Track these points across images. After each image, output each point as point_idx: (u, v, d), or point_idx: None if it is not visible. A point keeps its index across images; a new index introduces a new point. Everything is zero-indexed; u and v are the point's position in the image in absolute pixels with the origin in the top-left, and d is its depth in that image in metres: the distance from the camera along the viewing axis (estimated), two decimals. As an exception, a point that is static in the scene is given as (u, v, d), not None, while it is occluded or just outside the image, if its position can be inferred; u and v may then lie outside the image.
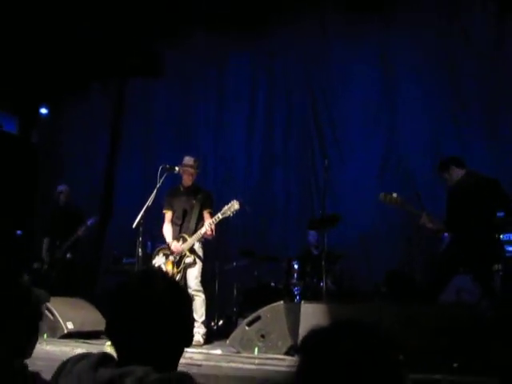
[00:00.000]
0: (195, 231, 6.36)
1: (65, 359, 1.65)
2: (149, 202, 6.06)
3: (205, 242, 6.55)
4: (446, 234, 7.18)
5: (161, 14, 9.53)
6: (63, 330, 5.96)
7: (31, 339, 1.79)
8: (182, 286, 1.80)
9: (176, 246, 6.38)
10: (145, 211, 6.00)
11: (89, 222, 7.71)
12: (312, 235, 8.04)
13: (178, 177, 6.68)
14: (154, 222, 6.79)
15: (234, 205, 6.12)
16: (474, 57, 8.11)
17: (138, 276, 1.77)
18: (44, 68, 10.27)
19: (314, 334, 1.28)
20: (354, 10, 8.83)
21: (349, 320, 1.28)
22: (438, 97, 8.32)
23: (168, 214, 6.66)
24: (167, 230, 6.62)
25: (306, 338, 1.28)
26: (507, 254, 6.82)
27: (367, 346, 1.21)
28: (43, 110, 11.51)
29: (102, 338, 6.22)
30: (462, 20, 8.24)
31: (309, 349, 1.25)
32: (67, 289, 7.55)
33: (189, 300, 1.77)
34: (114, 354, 1.65)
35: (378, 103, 8.80)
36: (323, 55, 9.31)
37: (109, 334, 1.66)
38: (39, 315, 1.75)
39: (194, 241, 6.34)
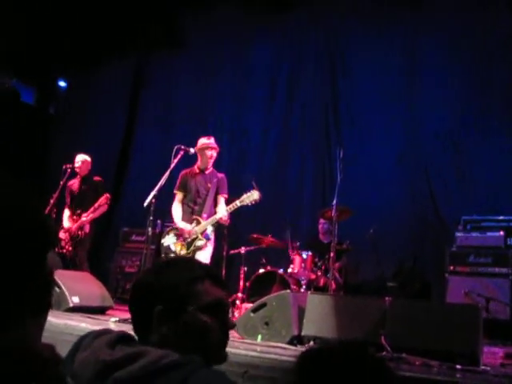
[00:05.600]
0: (209, 215, 6.31)
1: (74, 334, 1.63)
2: (162, 182, 6.03)
3: (217, 226, 6.52)
4: (457, 234, 7.13)
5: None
6: (68, 304, 5.96)
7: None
8: None
9: (187, 228, 6.33)
10: (157, 191, 5.97)
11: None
12: (323, 224, 8.02)
13: (194, 157, 6.62)
14: (165, 201, 6.76)
15: (254, 195, 6.03)
16: (500, 46, 7.97)
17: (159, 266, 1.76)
18: (64, 40, 10.26)
19: (311, 353, 1.28)
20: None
21: (346, 342, 1.28)
22: (460, 89, 8.22)
23: (179, 195, 6.58)
24: (176, 211, 6.54)
25: (303, 356, 1.27)
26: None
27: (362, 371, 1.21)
28: (62, 83, 11.54)
29: (107, 314, 6.24)
30: (487, 8, 8.08)
31: (304, 367, 1.24)
32: (76, 262, 7.56)
33: None
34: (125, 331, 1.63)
35: (398, 92, 8.71)
36: (347, 38, 9.24)
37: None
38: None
39: (207, 225, 6.26)
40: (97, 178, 7.91)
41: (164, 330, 1.58)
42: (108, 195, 7.58)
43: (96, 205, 7.49)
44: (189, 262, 1.80)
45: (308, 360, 1.25)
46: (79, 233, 7.56)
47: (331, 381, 1.20)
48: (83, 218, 7.52)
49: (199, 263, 1.77)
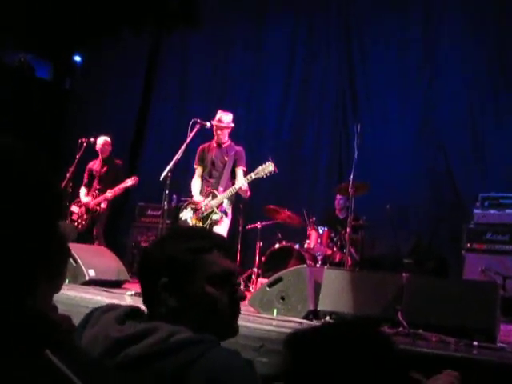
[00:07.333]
0: (226, 189, 6.26)
1: (89, 307, 1.60)
2: (178, 155, 6.00)
3: (234, 200, 6.48)
4: (475, 211, 7.05)
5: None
6: (85, 277, 5.99)
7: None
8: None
9: (200, 202, 6.31)
10: (173, 164, 5.94)
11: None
12: (339, 199, 7.98)
13: (210, 131, 6.55)
14: (181, 175, 6.74)
15: (269, 166, 5.93)
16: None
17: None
18: (79, 14, 10.20)
19: (305, 331, 1.25)
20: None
21: (348, 321, 1.25)
22: (478, 66, 8.08)
23: (198, 170, 6.55)
24: (195, 185, 6.52)
25: (293, 334, 1.23)
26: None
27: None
28: (77, 58, 11.51)
29: (123, 288, 6.27)
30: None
31: (294, 345, 1.21)
32: (92, 237, 7.62)
33: None
34: (134, 304, 1.61)
35: (416, 70, 8.59)
36: (364, 14, 9.10)
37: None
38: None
39: (224, 198, 6.22)
40: (118, 162, 7.99)
41: (171, 302, 1.53)
42: (136, 178, 7.64)
43: (122, 185, 7.56)
44: (198, 231, 1.73)
45: (296, 342, 1.22)
46: (97, 208, 7.62)
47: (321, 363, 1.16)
48: (108, 194, 7.57)
49: (209, 233, 1.71)
